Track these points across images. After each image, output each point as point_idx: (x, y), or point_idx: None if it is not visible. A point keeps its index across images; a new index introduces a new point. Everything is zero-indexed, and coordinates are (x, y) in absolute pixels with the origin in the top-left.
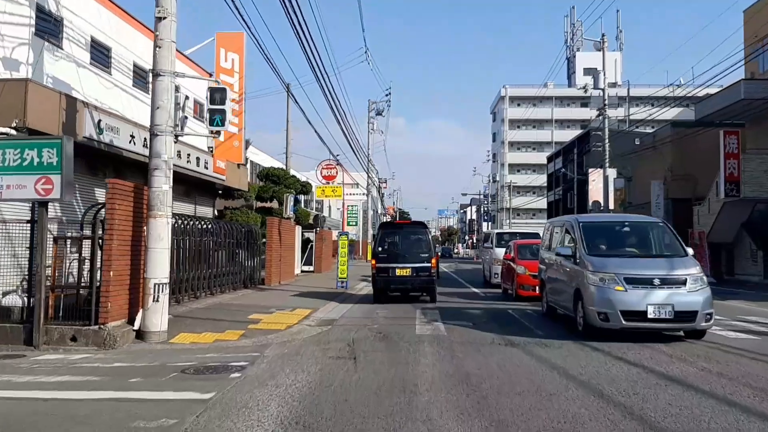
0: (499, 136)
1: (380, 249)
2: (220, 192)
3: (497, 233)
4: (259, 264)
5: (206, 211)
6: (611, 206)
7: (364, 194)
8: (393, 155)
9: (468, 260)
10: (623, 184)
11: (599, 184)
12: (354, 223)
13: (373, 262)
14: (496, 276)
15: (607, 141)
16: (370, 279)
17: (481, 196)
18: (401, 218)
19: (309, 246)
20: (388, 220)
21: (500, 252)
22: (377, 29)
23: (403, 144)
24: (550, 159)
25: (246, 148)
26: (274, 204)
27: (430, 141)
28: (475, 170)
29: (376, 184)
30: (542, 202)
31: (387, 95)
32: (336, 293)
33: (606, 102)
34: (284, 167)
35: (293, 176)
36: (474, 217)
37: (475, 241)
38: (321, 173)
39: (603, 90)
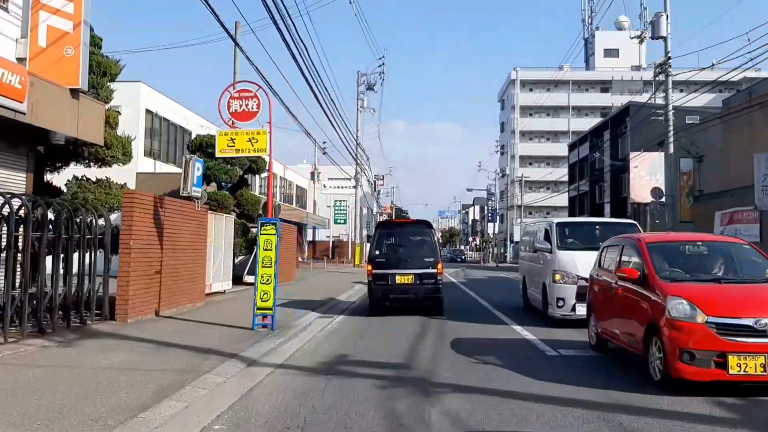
0: (508, 126)
1: (377, 252)
2: (56, 146)
3: (559, 224)
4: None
5: (16, 181)
6: (674, 195)
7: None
8: (392, 158)
9: (475, 264)
10: (692, 166)
11: (643, 171)
12: (342, 221)
13: (370, 267)
14: (562, 304)
15: (670, 107)
16: (346, 300)
17: (488, 192)
18: (398, 217)
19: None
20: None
21: (572, 260)
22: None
23: (402, 146)
24: (572, 147)
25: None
26: (218, 189)
27: (430, 143)
28: (480, 165)
29: (372, 180)
30: (558, 199)
31: (380, 65)
32: (239, 344)
33: (669, 55)
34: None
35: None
36: (477, 217)
37: (479, 242)
38: (228, 107)
39: (665, 38)
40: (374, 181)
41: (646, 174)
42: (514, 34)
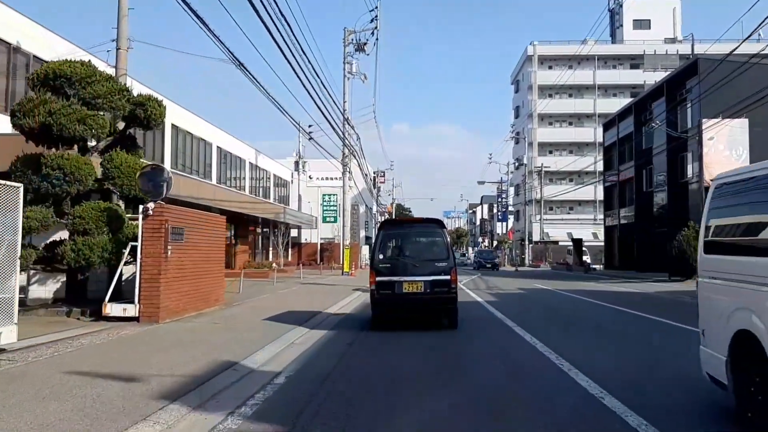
0: (524, 109)
1: (381, 256)
2: None
3: None
4: None
5: None
6: None
7: (349, 181)
8: (396, 160)
9: (489, 271)
10: None
11: (721, 143)
12: (332, 219)
13: (372, 274)
14: None
15: None
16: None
17: (501, 182)
18: (401, 215)
19: (131, 249)
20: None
21: None
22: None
23: (406, 149)
24: (609, 125)
25: None
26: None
27: (434, 145)
28: (491, 157)
29: (370, 175)
30: (584, 191)
31: (373, 19)
32: None
33: None
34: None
35: (121, 86)
36: (486, 216)
37: (489, 243)
38: None
39: None
40: (374, 177)
41: (725, 147)
42: (531, 8)
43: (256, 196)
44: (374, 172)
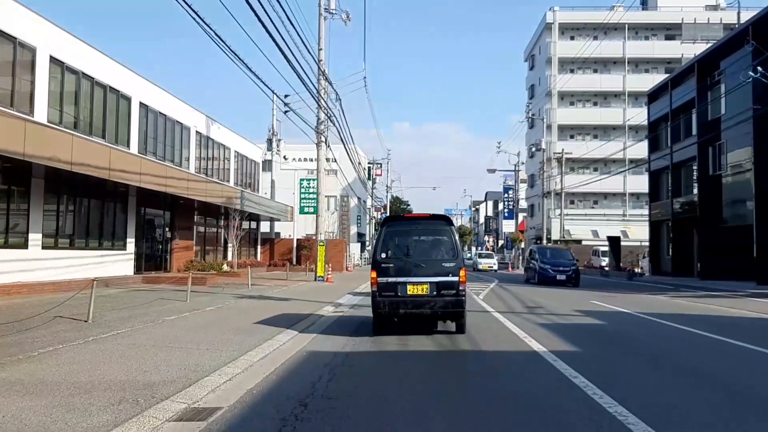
0: (540, 87)
1: (383, 255)
2: None
3: None
4: None
5: None
6: None
7: (332, 164)
8: (397, 160)
9: (502, 273)
10: None
11: None
12: (312, 209)
13: (374, 275)
14: None
15: None
16: None
17: (517, 170)
18: (399, 211)
19: None
20: (385, 213)
21: None
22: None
23: (407, 148)
24: (656, 94)
25: None
26: None
27: (436, 144)
28: (500, 146)
29: (364, 164)
30: (611, 182)
31: None
32: None
33: None
34: None
35: None
36: (491, 214)
37: (494, 243)
38: None
39: None
40: (369, 167)
41: None
42: None
43: (210, 177)
44: (369, 162)
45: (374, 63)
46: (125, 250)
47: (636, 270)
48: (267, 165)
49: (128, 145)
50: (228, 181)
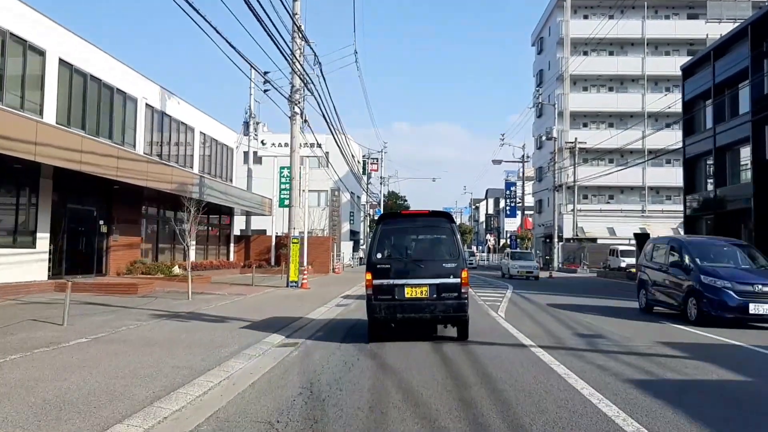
0: (550, 72)
1: (379, 255)
2: None
3: None
4: None
5: None
6: None
7: (316, 150)
8: (396, 159)
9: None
10: None
11: None
12: (285, 201)
13: (368, 276)
14: None
15: None
16: None
17: (526, 159)
18: (395, 207)
19: None
20: (378, 209)
21: None
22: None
23: (406, 148)
24: (690, 71)
25: None
26: None
27: (435, 144)
28: (503, 138)
29: (358, 157)
30: (629, 175)
31: None
32: None
33: None
34: None
35: None
36: (492, 212)
37: (495, 243)
38: None
39: None
40: (364, 162)
41: None
42: None
43: (166, 161)
44: (363, 156)
45: (374, 63)
46: (34, 248)
47: None
48: (251, 157)
49: (41, 113)
50: (192, 167)
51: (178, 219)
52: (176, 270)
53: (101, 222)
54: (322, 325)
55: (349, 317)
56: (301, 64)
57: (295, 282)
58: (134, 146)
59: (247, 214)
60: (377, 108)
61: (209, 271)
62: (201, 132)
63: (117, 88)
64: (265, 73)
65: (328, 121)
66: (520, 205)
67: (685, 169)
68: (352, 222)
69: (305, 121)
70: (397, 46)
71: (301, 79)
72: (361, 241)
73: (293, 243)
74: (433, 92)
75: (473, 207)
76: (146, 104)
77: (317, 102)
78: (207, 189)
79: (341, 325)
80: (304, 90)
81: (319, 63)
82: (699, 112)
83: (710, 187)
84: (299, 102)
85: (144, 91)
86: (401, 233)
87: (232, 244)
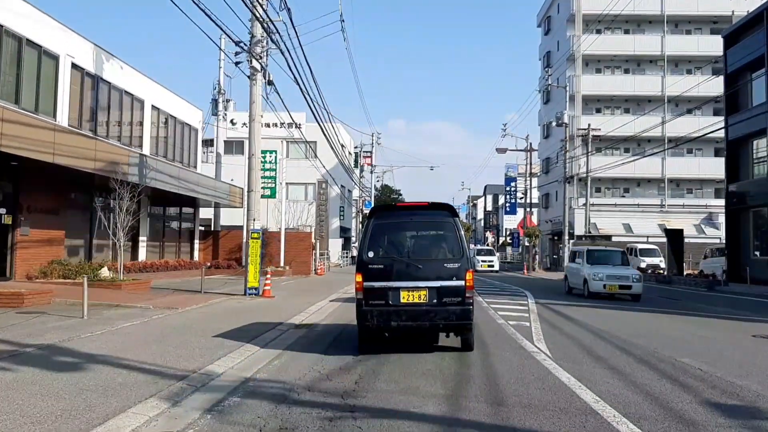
0: (559, 53)
1: (371, 254)
2: None
3: None
4: None
5: None
6: None
7: (294, 130)
8: (392, 157)
9: (516, 275)
10: None
11: None
12: (269, 192)
13: (359, 278)
14: None
15: None
16: None
17: (529, 149)
18: (390, 201)
19: None
20: (369, 202)
21: None
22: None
23: (402, 146)
24: (734, 37)
25: None
26: None
27: (430, 142)
28: (505, 128)
29: (350, 148)
30: (647, 166)
31: None
32: None
33: None
34: None
35: None
36: (490, 209)
37: (495, 240)
38: None
39: None
40: (356, 154)
41: None
42: None
43: (98, 137)
44: (355, 147)
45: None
46: None
47: (714, 276)
48: (231, 147)
49: None
50: (141, 149)
51: (108, 208)
52: (104, 272)
53: (2, 211)
54: (229, 391)
55: (282, 378)
56: (264, 8)
57: (255, 289)
58: (54, 116)
59: (216, 206)
60: (372, 105)
61: (160, 272)
62: (154, 106)
63: (28, 39)
64: (238, 43)
65: (304, 90)
66: (522, 200)
67: (728, 153)
68: (342, 218)
69: (269, 82)
70: (392, 39)
71: (263, 26)
72: (353, 239)
73: (252, 238)
74: (429, 89)
75: (471, 204)
76: (72, 64)
77: (288, 63)
78: (150, 172)
79: (257, 399)
80: (267, 42)
81: (288, 9)
82: (745, 86)
83: (760, 174)
84: (261, 58)
85: (69, 48)
86: (396, 228)
87: (196, 241)
